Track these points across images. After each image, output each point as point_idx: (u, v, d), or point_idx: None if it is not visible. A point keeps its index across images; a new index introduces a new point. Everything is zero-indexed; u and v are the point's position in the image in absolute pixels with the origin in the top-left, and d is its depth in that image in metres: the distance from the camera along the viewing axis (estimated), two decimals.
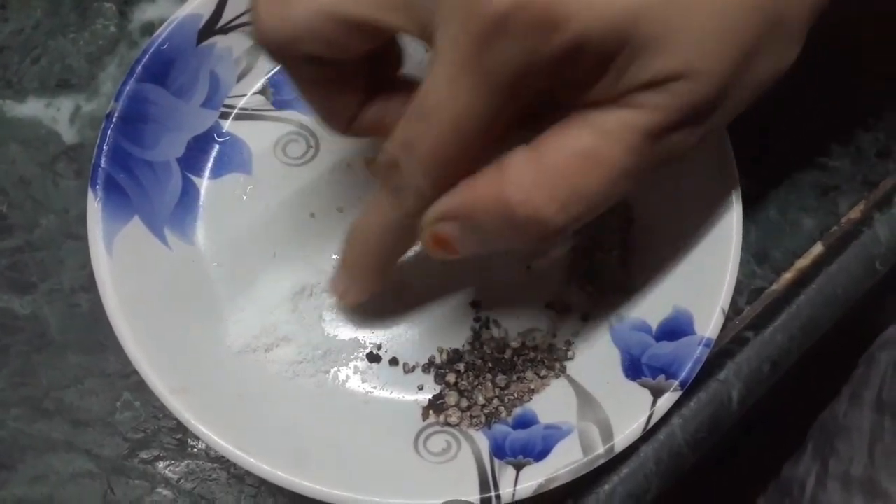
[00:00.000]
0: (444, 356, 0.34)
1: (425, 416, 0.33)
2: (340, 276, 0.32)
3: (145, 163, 0.33)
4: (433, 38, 0.23)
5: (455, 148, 0.24)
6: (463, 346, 0.34)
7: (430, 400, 0.33)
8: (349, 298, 0.33)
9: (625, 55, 0.22)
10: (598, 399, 0.32)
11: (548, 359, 0.34)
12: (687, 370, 0.31)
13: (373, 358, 0.34)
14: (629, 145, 0.23)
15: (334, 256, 0.35)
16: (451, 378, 0.33)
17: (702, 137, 0.25)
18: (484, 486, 0.30)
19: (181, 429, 0.34)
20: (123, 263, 0.31)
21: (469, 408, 0.33)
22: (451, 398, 0.33)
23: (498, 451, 0.31)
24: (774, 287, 0.36)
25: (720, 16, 0.22)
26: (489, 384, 0.33)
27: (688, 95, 0.23)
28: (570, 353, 0.34)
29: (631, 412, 0.31)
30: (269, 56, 0.26)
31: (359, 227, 0.30)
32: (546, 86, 0.23)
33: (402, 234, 0.29)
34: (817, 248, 0.37)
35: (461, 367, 0.34)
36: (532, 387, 0.33)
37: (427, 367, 0.34)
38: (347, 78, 0.28)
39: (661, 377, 0.32)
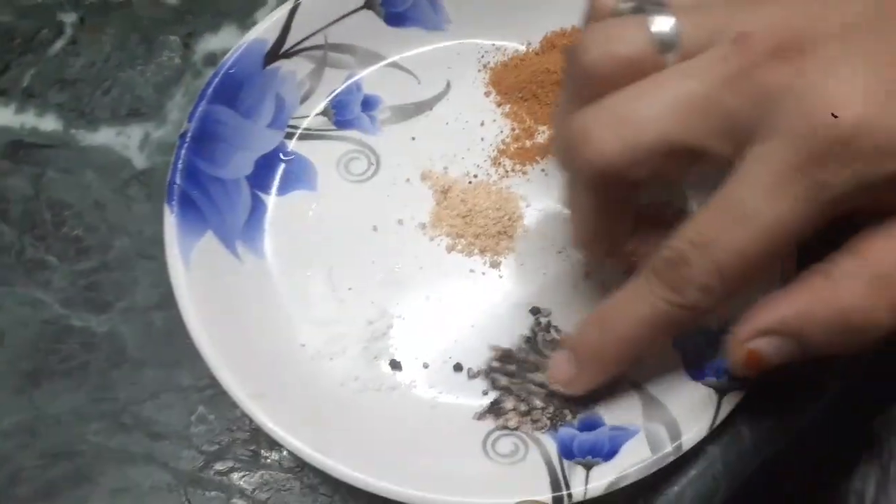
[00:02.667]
0: (496, 358, 0.35)
1: (481, 418, 0.33)
2: (569, 363, 0.31)
3: (217, 180, 0.35)
4: (743, 157, 0.24)
5: (757, 255, 0.24)
6: (517, 347, 0.35)
7: (489, 405, 0.34)
8: (576, 388, 0.32)
9: None
10: (663, 400, 0.33)
11: None
12: None
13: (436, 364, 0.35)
14: None
15: (397, 268, 0.36)
16: (503, 381, 0.34)
17: None
18: (555, 485, 0.31)
19: (255, 440, 0.34)
20: (199, 275, 0.33)
21: (529, 412, 0.33)
22: (509, 403, 0.33)
23: (566, 452, 0.32)
24: None
25: None
26: (542, 387, 0.34)
27: None
28: None
29: (697, 411, 0.31)
30: (583, 176, 0.27)
31: (608, 319, 0.29)
32: (866, 203, 0.24)
33: (661, 330, 0.28)
34: None
35: (512, 368, 0.34)
36: (595, 391, 0.34)
37: (487, 372, 0.35)
38: (630, 206, 0.29)
39: (725, 377, 0.32)
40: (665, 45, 0.25)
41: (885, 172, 0.23)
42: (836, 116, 0.22)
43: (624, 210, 0.29)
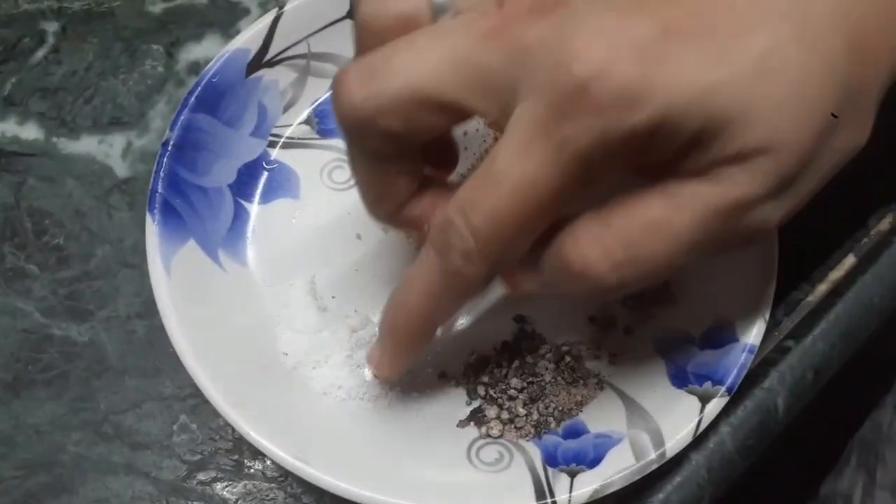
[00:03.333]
0: (474, 366, 0.35)
1: (463, 426, 0.33)
2: (378, 348, 0.32)
3: (199, 188, 0.35)
4: (508, 118, 0.23)
5: (510, 216, 0.24)
6: (497, 355, 0.35)
7: (470, 413, 0.34)
8: (385, 371, 0.32)
9: (707, 132, 0.22)
10: (647, 408, 0.33)
11: (592, 371, 0.34)
12: (733, 376, 0.32)
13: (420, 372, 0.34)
14: (701, 219, 0.23)
15: (381, 276, 0.36)
16: (481, 390, 0.34)
17: (775, 219, 0.25)
18: (540, 493, 0.30)
19: (238, 450, 0.34)
20: (180, 283, 0.32)
21: (511, 420, 0.33)
22: (491, 411, 0.33)
23: (550, 459, 0.32)
24: (810, 298, 0.37)
25: (801, 89, 0.22)
26: (523, 395, 0.34)
27: (769, 170, 0.23)
28: (614, 365, 0.35)
29: (680, 419, 0.32)
30: (342, 128, 0.26)
31: (398, 295, 0.29)
32: (621, 165, 0.23)
33: (443, 300, 0.28)
34: (850, 260, 0.38)
35: (488, 378, 0.34)
36: (578, 398, 0.34)
37: (466, 381, 0.34)
38: (405, 164, 0.28)
39: (708, 384, 0.32)
40: (439, 6, 0.25)
41: (626, 125, 0.22)
42: (575, 67, 0.21)
43: (400, 169, 0.28)
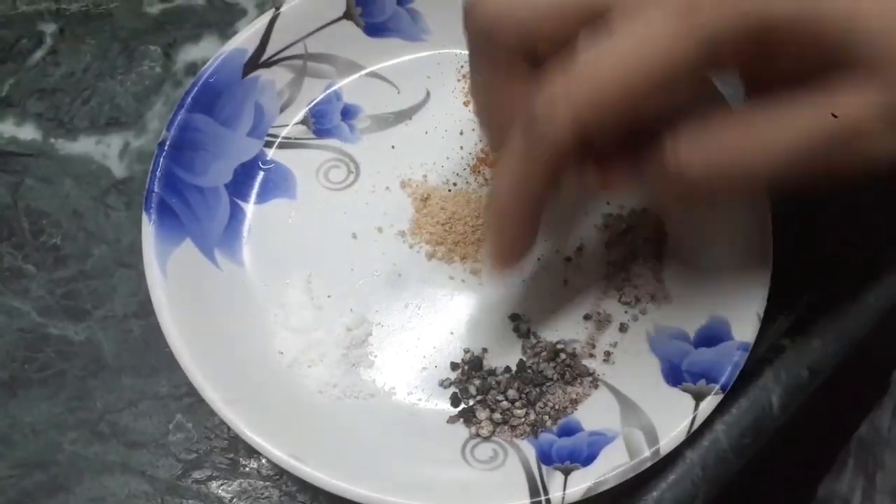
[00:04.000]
0: (468, 364, 0.35)
1: (452, 422, 0.34)
2: (491, 243, 0.31)
3: (196, 188, 0.35)
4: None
5: (620, 84, 0.24)
6: (483, 355, 0.35)
7: (459, 411, 0.34)
8: (500, 262, 0.31)
9: (839, 43, 0.23)
10: (641, 406, 0.33)
11: (587, 369, 0.34)
12: (727, 374, 0.32)
13: (415, 371, 0.35)
14: (807, 132, 0.24)
15: (376, 276, 0.36)
16: (472, 389, 0.34)
17: (885, 152, 0.25)
18: (534, 490, 0.31)
19: (233, 448, 0.34)
20: (176, 282, 0.33)
21: (506, 421, 0.33)
22: (482, 413, 0.34)
23: (545, 457, 0.32)
24: (805, 297, 0.37)
25: None
26: (521, 401, 0.34)
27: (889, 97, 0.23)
28: (609, 364, 0.35)
29: (674, 416, 0.32)
30: (474, 32, 0.28)
31: (498, 186, 0.29)
32: (742, 61, 0.25)
33: (538, 178, 0.27)
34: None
35: (479, 382, 0.34)
36: (574, 397, 0.34)
37: (457, 383, 0.35)
38: (520, 73, 0.28)
39: (702, 382, 0.32)
40: None
41: (770, 12, 0.23)
42: None
43: (514, 77, 0.28)
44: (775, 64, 0.25)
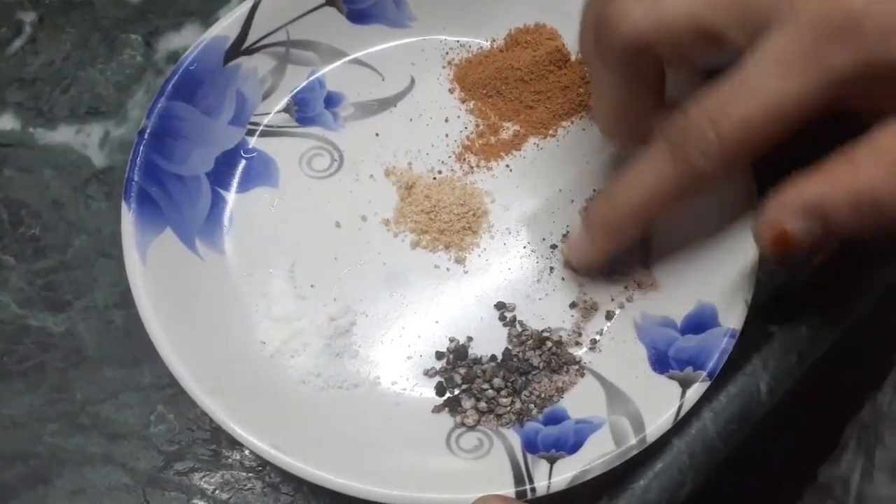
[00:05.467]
0: (453, 353, 0.34)
1: (438, 411, 0.33)
2: (582, 238, 0.34)
3: (176, 177, 0.34)
4: (756, 44, 0.26)
5: (760, 126, 0.26)
6: (469, 344, 0.35)
7: (444, 400, 0.34)
8: (588, 259, 0.34)
9: None
10: (628, 393, 0.33)
11: (573, 357, 0.34)
12: (714, 361, 0.32)
13: (399, 360, 0.34)
14: None
15: (360, 264, 0.36)
16: (457, 378, 0.34)
17: None
18: (518, 479, 0.30)
19: (215, 440, 0.34)
20: (157, 272, 0.32)
21: (491, 410, 0.33)
22: (468, 402, 0.33)
23: (530, 446, 0.32)
24: (793, 282, 0.37)
25: None
26: (506, 390, 0.33)
27: None
28: (595, 351, 0.34)
29: (661, 404, 0.31)
30: (608, 46, 0.29)
31: (622, 183, 0.31)
32: (869, 96, 0.26)
33: (669, 195, 0.30)
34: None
35: (465, 370, 0.34)
36: (560, 385, 0.34)
37: (442, 372, 0.34)
38: (653, 84, 0.31)
39: (689, 369, 0.32)
40: None
41: (887, 56, 0.24)
42: (842, 2, 0.25)
43: (648, 89, 0.31)
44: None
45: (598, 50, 0.30)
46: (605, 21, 0.29)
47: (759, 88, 0.26)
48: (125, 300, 0.35)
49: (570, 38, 0.38)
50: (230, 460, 0.34)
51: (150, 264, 0.32)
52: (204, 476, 0.34)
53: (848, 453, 0.44)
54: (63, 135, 0.39)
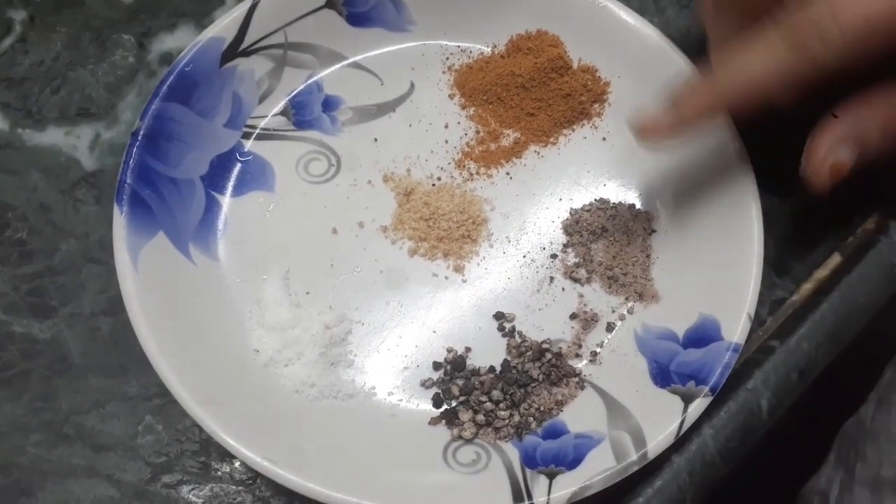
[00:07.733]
0: (451, 364, 0.34)
1: (435, 423, 0.33)
2: (667, 110, 0.31)
3: (169, 180, 0.33)
4: None
5: (879, 23, 0.27)
6: (467, 355, 0.34)
7: (442, 412, 0.33)
8: (659, 131, 0.32)
9: None
10: (628, 407, 0.32)
11: (573, 370, 0.33)
12: (717, 375, 0.31)
13: (396, 371, 0.33)
14: None
15: (357, 272, 0.35)
16: (455, 390, 0.33)
17: None
18: (517, 495, 0.30)
19: (204, 452, 0.33)
20: (148, 277, 0.31)
21: (489, 423, 0.32)
22: (465, 415, 0.32)
23: (529, 460, 0.31)
24: (795, 297, 0.36)
25: None
26: (505, 402, 0.33)
27: None
28: (595, 364, 0.34)
29: (662, 419, 0.31)
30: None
31: (734, 57, 0.30)
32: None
33: (782, 80, 0.29)
34: (835, 259, 0.37)
35: (462, 382, 0.33)
36: (559, 398, 0.33)
37: (440, 384, 0.34)
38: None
39: (691, 383, 0.31)
40: None
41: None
42: None
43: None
44: None
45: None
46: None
47: None
48: (113, 307, 0.34)
49: (572, 46, 0.38)
50: (220, 473, 0.33)
51: (142, 269, 0.31)
52: (193, 489, 0.33)
53: (827, 467, 0.44)
54: (52, 136, 0.38)
